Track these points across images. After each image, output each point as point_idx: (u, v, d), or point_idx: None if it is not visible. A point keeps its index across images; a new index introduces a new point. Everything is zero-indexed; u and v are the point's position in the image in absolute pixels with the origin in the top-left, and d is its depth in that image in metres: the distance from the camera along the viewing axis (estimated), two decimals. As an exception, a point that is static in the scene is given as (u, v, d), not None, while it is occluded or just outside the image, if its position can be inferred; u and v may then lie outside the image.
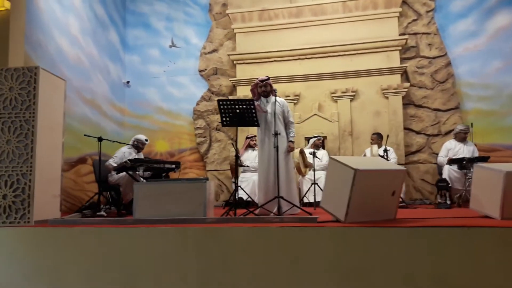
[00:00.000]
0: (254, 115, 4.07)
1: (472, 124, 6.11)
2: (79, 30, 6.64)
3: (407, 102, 6.60)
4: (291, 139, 4.63)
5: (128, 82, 7.91)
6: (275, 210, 4.18)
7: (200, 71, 7.56)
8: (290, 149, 4.59)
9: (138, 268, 3.39)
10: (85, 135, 5.33)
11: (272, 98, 4.76)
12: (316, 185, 5.54)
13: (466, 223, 3.09)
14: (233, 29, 7.27)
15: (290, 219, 3.57)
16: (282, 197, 4.19)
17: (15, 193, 3.87)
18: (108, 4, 7.56)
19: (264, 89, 4.75)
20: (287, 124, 4.68)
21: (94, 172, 5.83)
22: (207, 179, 4.31)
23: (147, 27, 8.01)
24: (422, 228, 3.07)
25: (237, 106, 4.05)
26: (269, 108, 4.67)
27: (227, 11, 7.26)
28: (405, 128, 6.54)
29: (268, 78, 4.90)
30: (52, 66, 5.84)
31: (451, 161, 5.29)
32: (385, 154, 5.48)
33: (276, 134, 4.26)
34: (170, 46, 7.87)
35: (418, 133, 6.53)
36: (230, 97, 7.15)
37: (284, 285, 3.12)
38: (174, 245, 3.40)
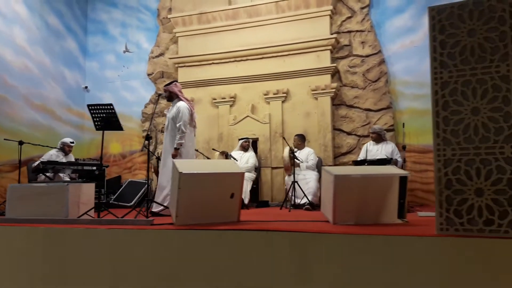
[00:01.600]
0: (116, 119, 4.18)
1: (403, 124, 5.85)
2: (26, 40, 7.06)
3: (339, 103, 6.43)
4: (175, 145, 4.55)
5: (86, 87, 8.28)
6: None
7: (148, 74, 7.78)
8: (172, 156, 4.58)
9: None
10: (4, 139, 5.70)
11: (176, 102, 4.79)
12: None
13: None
14: (175, 33, 7.42)
15: (125, 222, 3.66)
16: (152, 200, 4.29)
17: None
18: (65, 14, 7.96)
19: (164, 94, 4.84)
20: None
21: (27, 173, 6.20)
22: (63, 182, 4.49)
23: (105, 34, 8.35)
24: (230, 232, 3.06)
25: (102, 111, 4.19)
26: (168, 113, 4.78)
27: (169, 16, 7.42)
28: (336, 129, 6.38)
29: (171, 83, 4.94)
30: (-8, 75, 6.30)
31: (355, 163, 5.12)
32: (293, 155, 5.38)
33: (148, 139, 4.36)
34: (124, 52, 8.16)
35: (349, 134, 6.34)
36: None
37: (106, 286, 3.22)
38: (25, 245, 3.59)
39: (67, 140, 6.11)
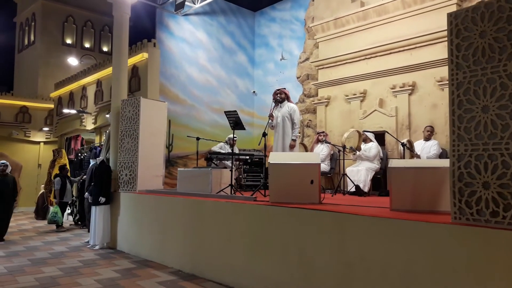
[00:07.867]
0: (240, 122, 5.56)
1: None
2: (207, 59, 9.32)
3: (469, 92, 6.16)
4: (292, 137, 5.80)
5: (254, 92, 10.15)
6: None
7: (297, 77, 9.01)
8: (291, 146, 5.77)
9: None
10: (187, 136, 7.91)
11: (287, 103, 5.99)
12: (345, 175, 6.38)
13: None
14: (316, 39, 8.38)
15: (236, 197, 4.99)
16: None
17: (130, 172, 6.69)
18: (236, 34, 9.98)
19: (280, 96, 6.05)
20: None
21: (206, 161, 8.34)
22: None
23: (267, 45, 10.01)
24: (297, 209, 4.04)
25: (232, 115, 5.62)
26: (278, 112, 5.97)
27: (310, 25, 8.43)
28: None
29: (284, 88, 6.15)
30: (183, 89, 8.74)
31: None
32: (404, 147, 5.70)
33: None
34: (281, 59, 9.61)
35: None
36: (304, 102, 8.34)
37: (225, 236, 4.70)
38: (182, 209, 5.42)
39: (231, 135, 7.94)
